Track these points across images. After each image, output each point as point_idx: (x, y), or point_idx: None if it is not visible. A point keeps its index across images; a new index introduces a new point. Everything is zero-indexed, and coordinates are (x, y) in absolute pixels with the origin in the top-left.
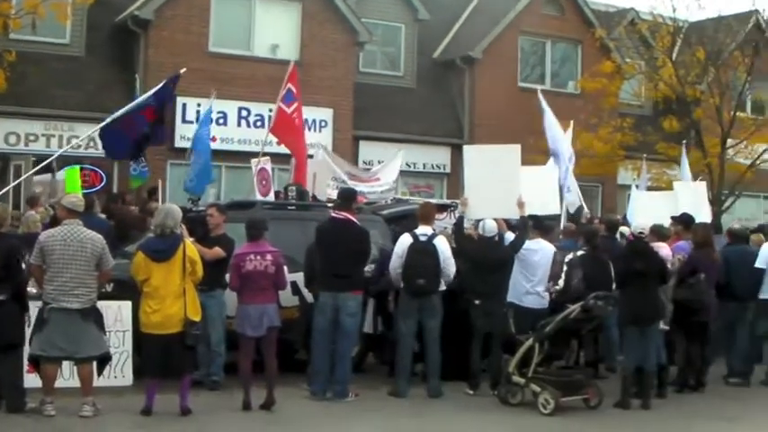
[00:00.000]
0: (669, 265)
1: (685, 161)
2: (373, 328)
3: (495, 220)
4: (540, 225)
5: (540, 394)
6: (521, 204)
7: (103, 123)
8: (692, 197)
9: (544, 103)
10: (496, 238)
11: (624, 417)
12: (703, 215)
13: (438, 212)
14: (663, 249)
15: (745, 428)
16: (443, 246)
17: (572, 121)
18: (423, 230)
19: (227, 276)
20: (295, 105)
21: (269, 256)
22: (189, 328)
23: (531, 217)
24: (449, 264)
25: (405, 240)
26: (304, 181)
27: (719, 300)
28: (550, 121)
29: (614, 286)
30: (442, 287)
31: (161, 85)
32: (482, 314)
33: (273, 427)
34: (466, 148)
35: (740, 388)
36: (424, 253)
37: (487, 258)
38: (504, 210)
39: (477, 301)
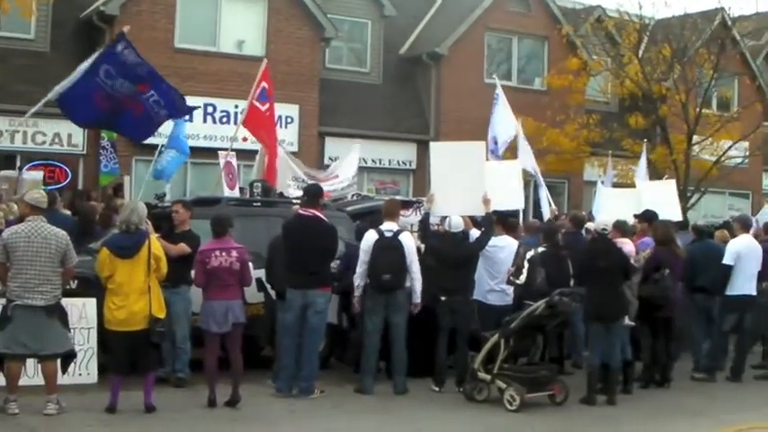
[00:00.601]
0: (633, 262)
1: (644, 159)
2: (338, 320)
3: (461, 216)
4: (505, 221)
5: (506, 391)
6: (486, 201)
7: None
8: (660, 195)
9: (500, 90)
10: (462, 235)
11: (590, 412)
12: (673, 214)
13: (403, 209)
14: (626, 245)
15: (710, 423)
16: (409, 242)
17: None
18: (388, 226)
19: (193, 273)
20: (268, 105)
21: (234, 253)
22: (154, 326)
23: (496, 213)
24: (414, 260)
25: (370, 237)
26: (273, 178)
27: (688, 295)
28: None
29: (572, 282)
30: (408, 283)
31: (107, 47)
32: (448, 310)
33: (239, 425)
34: (432, 144)
35: (705, 383)
36: (389, 249)
37: (453, 255)
38: (470, 206)
39: (443, 298)
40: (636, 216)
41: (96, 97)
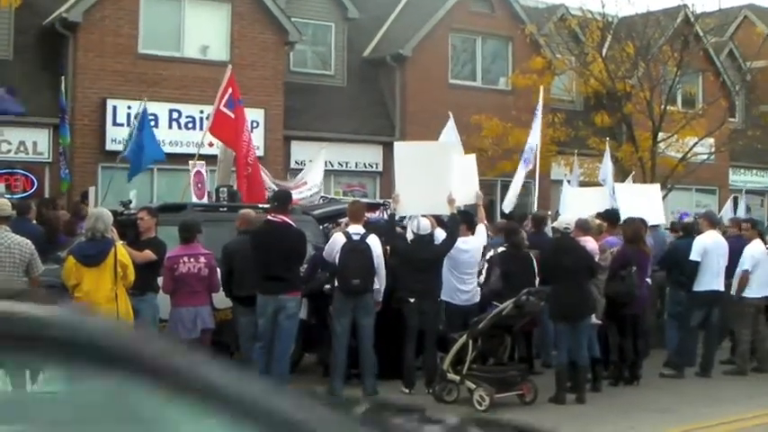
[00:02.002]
0: (599, 260)
1: (608, 157)
2: (308, 317)
3: (426, 217)
4: (471, 222)
5: (475, 391)
6: (451, 201)
7: None
8: (644, 199)
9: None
10: (429, 237)
11: (559, 411)
12: (657, 217)
13: (369, 211)
14: (589, 243)
15: (679, 420)
16: (376, 245)
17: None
18: (355, 230)
19: (160, 279)
20: (236, 112)
21: (202, 259)
22: None
23: (462, 213)
24: (381, 262)
25: (338, 240)
26: (243, 185)
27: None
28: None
29: (537, 282)
30: (376, 285)
31: None
32: (416, 312)
33: None
34: (397, 144)
35: (674, 380)
36: (357, 252)
37: (421, 257)
38: (434, 206)
39: (411, 300)
40: (599, 215)
41: None
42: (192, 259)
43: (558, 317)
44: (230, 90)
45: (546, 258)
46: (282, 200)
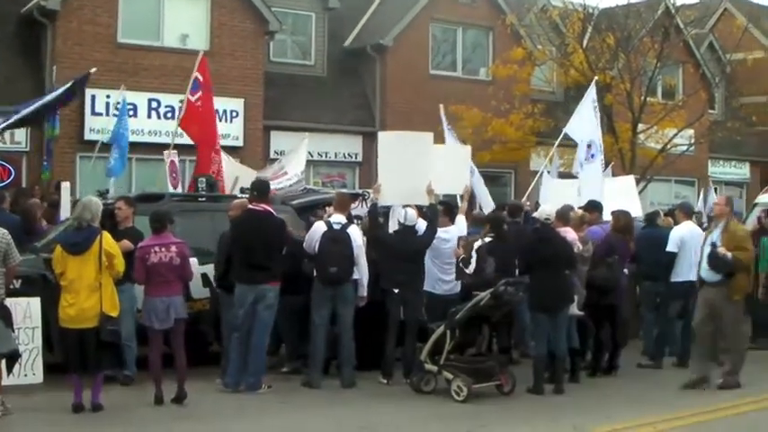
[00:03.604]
0: (582, 251)
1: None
2: None
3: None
4: (451, 212)
5: (453, 381)
6: (429, 192)
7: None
8: (620, 190)
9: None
10: (414, 228)
11: (537, 402)
12: (634, 209)
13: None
14: (569, 234)
15: (656, 409)
16: (356, 235)
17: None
18: (337, 219)
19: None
20: (199, 94)
21: (174, 248)
22: (104, 323)
23: (443, 204)
24: (361, 253)
25: (318, 228)
26: (208, 171)
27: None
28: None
29: (517, 272)
30: (355, 275)
31: (69, 84)
32: (399, 303)
33: (186, 422)
34: (380, 134)
35: (652, 370)
36: (337, 241)
37: (407, 248)
38: (414, 196)
39: (395, 291)
40: (582, 208)
41: None
42: (163, 249)
43: (538, 307)
44: (196, 74)
45: (526, 248)
46: (262, 189)
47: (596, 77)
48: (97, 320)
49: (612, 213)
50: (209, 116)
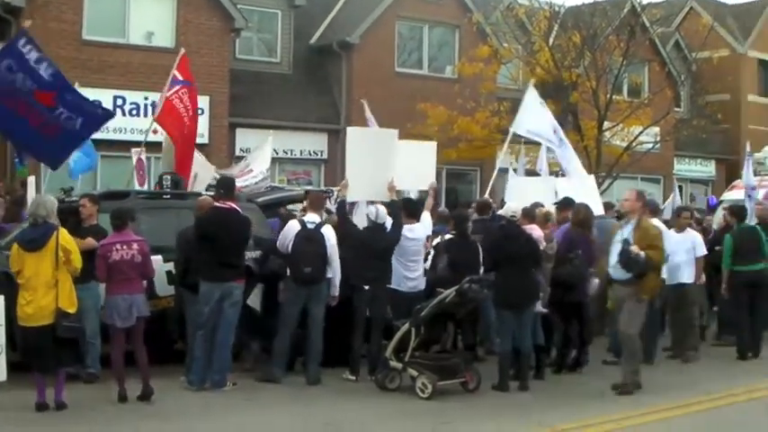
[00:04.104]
0: (546, 249)
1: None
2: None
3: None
4: (413, 209)
5: (418, 378)
6: (391, 188)
7: None
8: (580, 190)
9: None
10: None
11: (502, 398)
12: (594, 208)
13: None
14: (535, 231)
15: (621, 406)
16: (330, 234)
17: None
18: (311, 218)
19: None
20: (175, 89)
21: (135, 246)
22: (60, 320)
23: (405, 201)
24: (335, 252)
25: (293, 227)
26: (184, 168)
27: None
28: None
29: (482, 270)
30: (328, 274)
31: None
32: (368, 300)
33: (151, 420)
34: (349, 129)
35: (617, 367)
36: (310, 240)
37: (379, 245)
38: (377, 193)
39: (365, 287)
40: (556, 204)
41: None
42: (124, 246)
43: (503, 304)
44: (174, 72)
45: (491, 246)
46: (228, 186)
47: (532, 81)
48: (54, 317)
49: (573, 208)
50: (181, 112)
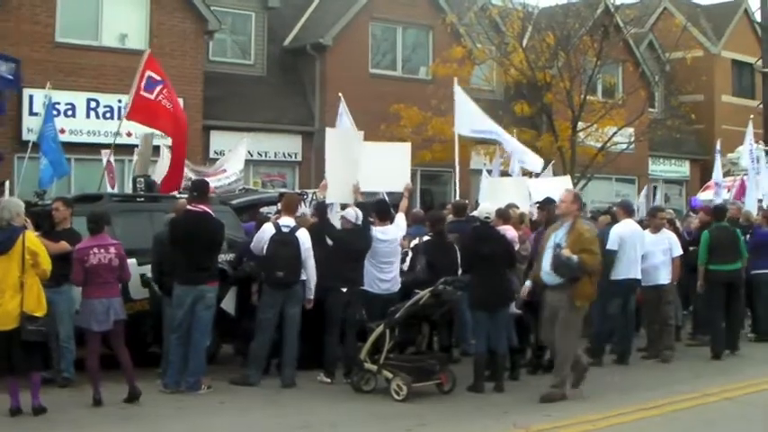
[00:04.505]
0: (518, 249)
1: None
2: (235, 311)
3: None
4: (384, 211)
5: (393, 380)
6: (356, 190)
7: None
8: (555, 190)
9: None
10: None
11: (478, 400)
12: None
13: None
14: (509, 232)
15: (596, 407)
16: (305, 237)
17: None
18: (285, 221)
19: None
20: (158, 88)
21: (112, 249)
22: (25, 323)
23: (377, 202)
24: (309, 256)
25: (267, 230)
26: (180, 167)
27: None
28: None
29: (460, 271)
30: (303, 277)
31: None
32: (344, 302)
33: (126, 423)
34: (328, 130)
35: (592, 368)
36: (285, 244)
37: (357, 246)
38: (345, 194)
39: (343, 289)
40: (538, 203)
41: None
42: (102, 250)
43: (478, 305)
44: (148, 73)
45: (466, 247)
46: (201, 189)
47: (456, 80)
48: (20, 321)
49: (545, 209)
50: (169, 111)
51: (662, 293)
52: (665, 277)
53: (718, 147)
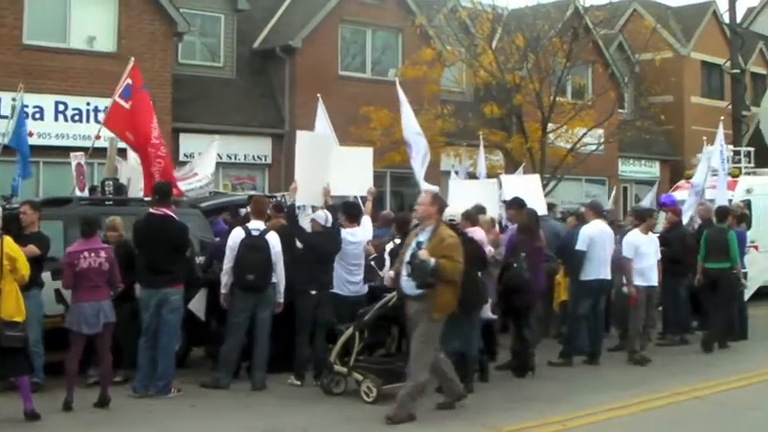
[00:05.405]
0: (492, 253)
1: (482, 153)
2: (206, 316)
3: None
4: (354, 213)
5: (363, 383)
6: (326, 192)
7: None
8: (525, 189)
9: (401, 95)
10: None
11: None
12: (539, 207)
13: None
14: (476, 233)
15: (566, 407)
16: (275, 241)
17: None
18: (255, 225)
19: (44, 275)
20: (131, 102)
21: (103, 253)
22: (4, 329)
23: (345, 205)
24: (279, 260)
25: (237, 234)
26: (149, 180)
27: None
28: (407, 113)
29: None
30: (273, 280)
31: None
32: (314, 304)
33: (96, 428)
34: (299, 133)
35: (563, 368)
36: (255, 248)
37: (328, 249)
38: (315, 197)
39: (313, 292)
40: (506, 203)
41: None
42: (92, 254)
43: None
44: (128, 81)
45: None
46: (163, 192)
47: (397, 79)
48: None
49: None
50: (139, 120)
51: (653, 294)
52: (655, 278)
53: (706, 148)
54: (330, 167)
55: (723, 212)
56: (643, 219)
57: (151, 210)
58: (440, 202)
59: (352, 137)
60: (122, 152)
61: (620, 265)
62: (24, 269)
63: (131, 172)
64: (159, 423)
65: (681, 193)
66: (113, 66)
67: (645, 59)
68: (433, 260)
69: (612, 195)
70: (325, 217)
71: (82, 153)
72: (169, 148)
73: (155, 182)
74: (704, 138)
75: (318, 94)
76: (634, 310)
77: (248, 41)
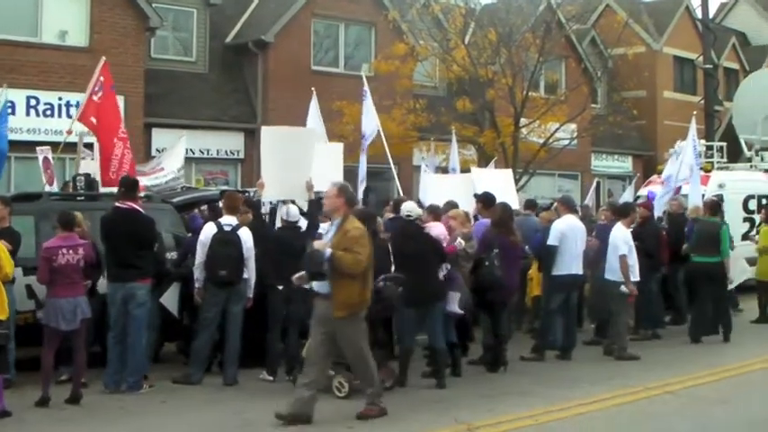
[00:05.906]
0: (464, 246)
1: (455, 147)
2: (178, 312)
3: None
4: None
5: (335, 378)
6: (309, 187)
7: None
8: (497, 184)
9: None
10: (298, 224)
11: (419, 396)
12: (510, 201)
13: None
14: (434, 229)
15: (538, 402)
16: (247, 236)
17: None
18: (227, 220)
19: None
20: (100, 95)
21: (81, 250)
22: None
23: (318, 201)
24: (251, 255)
25: (209, 230)
26: (106, 170)
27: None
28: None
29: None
30: (245, 276)
31: None
32: (284, 299)
33: (68, 424)
34: (263, 129)
35: (535, 363)
36: (227, 243)
37: (294, 243)
38: (294, 192)
39: (280, 287)
40: (475, 196)
41: None
42: (71, 251)
43: (405, 302)
44: (101, 78)
45: (393, 245)
46: (129, 186)
47: (365, 73)
48: None
49: (489, 209)
50: (107, 115)
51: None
52: (637, 272)
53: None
54: (309, 161)
55: (715, 206)
56: (621, 214)
57: (117, 203)
58: (346, 195)
59: (327, 132)
60: (89, 146)
61: (594, 260)
62: (9, 267)
63: (94, 166)
64: (130, 419)
65: (653, 188)
66: (85, 60)
67: (618, 54)
68: (329, 251)
69: (592, 190)
70: (286, 211)
71: (48, 147)
72: (141, 142)
73: (111, 172)
74: (678, 140)
75: (313, 88)
76: (616, 305)
77: (221, 36)
